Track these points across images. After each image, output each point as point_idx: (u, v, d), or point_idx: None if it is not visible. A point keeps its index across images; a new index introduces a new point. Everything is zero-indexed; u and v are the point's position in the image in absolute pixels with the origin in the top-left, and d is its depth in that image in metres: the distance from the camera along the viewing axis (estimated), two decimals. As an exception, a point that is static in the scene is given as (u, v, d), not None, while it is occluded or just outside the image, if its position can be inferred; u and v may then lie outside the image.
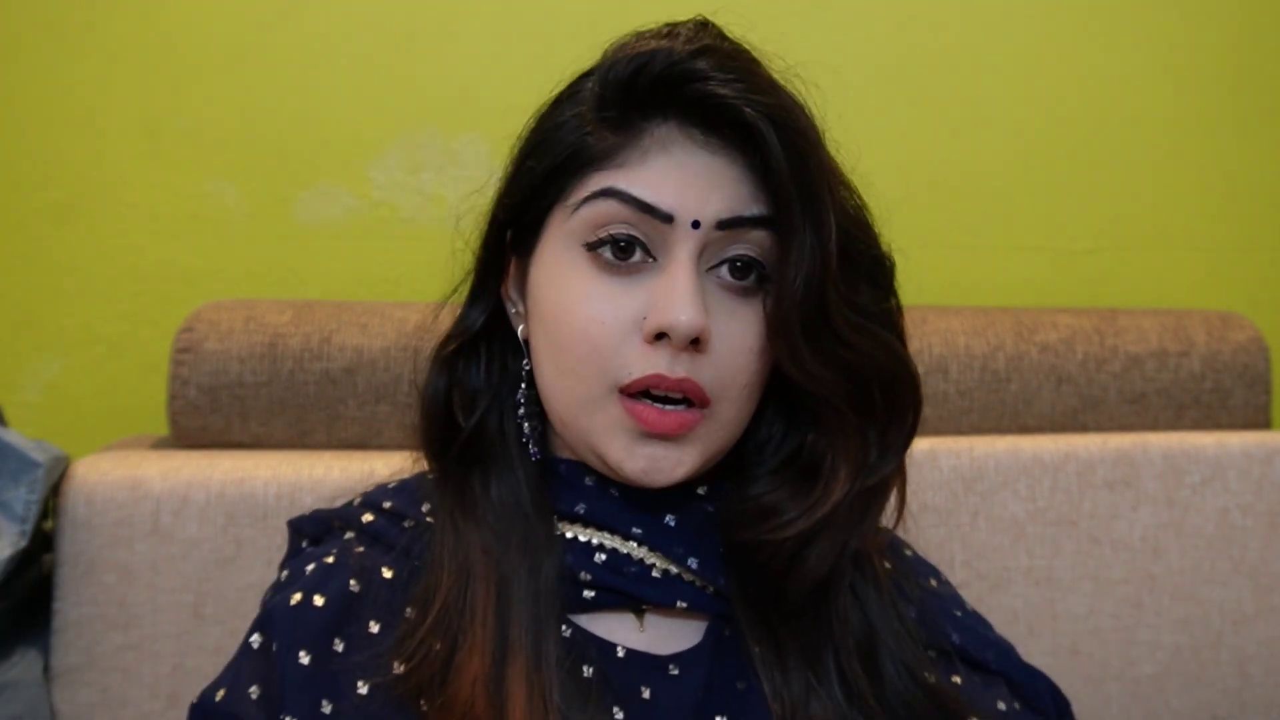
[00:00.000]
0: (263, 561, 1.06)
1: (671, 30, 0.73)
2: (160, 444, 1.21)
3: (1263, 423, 1.26)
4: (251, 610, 0.78)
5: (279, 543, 1.05)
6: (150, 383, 1.30)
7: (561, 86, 0.76)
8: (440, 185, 1.34)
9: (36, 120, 1.30)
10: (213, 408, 1.15)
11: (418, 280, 1.34)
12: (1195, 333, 1.25)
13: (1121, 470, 1.16)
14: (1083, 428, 1.23)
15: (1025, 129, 1.39)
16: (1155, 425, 1.24)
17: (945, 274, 1.37)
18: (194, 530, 1.06)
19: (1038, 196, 1.40)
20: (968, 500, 1.15)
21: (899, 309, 0.77)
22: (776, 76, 0.72)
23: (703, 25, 0.73)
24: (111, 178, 1.31)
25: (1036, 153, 1.39)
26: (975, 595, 1.11)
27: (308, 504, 1.05)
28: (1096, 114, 1.39)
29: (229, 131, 1.32)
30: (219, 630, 1.05)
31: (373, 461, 1.09)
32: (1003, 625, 1.11)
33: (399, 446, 1.15)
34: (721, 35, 0.73)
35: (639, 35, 0.74)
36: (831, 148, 0.73)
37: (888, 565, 0.81)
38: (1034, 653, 1.11)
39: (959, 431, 1.21)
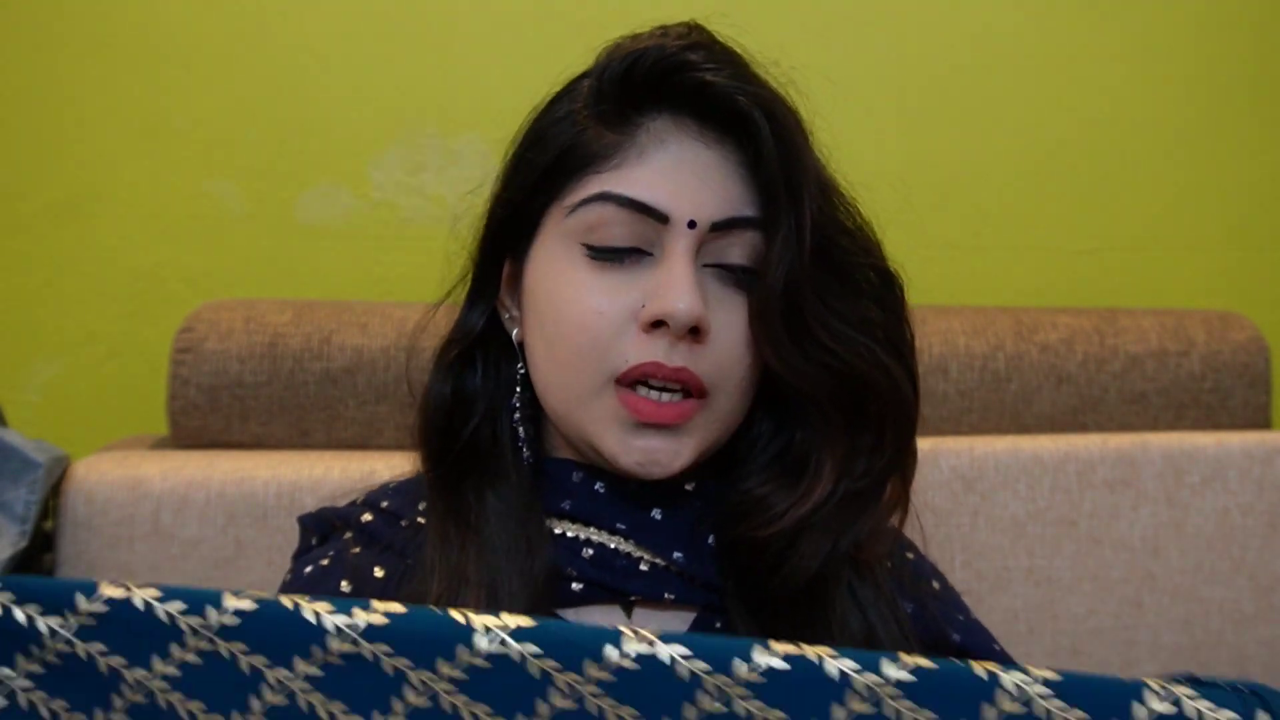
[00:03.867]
0: (263, 562, 1.05)
1: (663, 31, 0.74)
2: (160, 444, 1.21)
3: (1263, 423, 1.26)
4: (251, 610, 0.78)
5: (279, 543, 1.05)
6: (150, 383, 1.30)
7: (557, 88, 0.77)
8: (440, 185, 1.34)
9: (36, 120, 1.30)
10: (213, 408, 1.15)
11: (418, 280, 1.33)
12: (1195, 333, 1.25)
13: (1121, 470, 1.16)
14: (1083, 428, 1.23)
15: (1025, 129, 1.39)
16: (1155, 425, 1.24)
17: (945, 274, 1.37)
18: (194, 530, 1.06)
19: (1038, 196, 1.39)
20: (968, 500, 1.14)
21: (912, 335, 0.76)
22: (772, 82, 0.73)
23: (693, 28, 0.74)
24: (111, 178, 1.31)
25: (1037, 153, 1.39)
26: (975, 595, 1.11)
27: (308, 504, 1.05)
28: (1096, 114, 1.39)
29: (229, 131, 1.32)
30: (219, 630, 1.05)
31: (373, 461, 1.09)
32: (1003, 625, 1.11)
33: (399, 446, 1.15)
34: (712, 38, 0.74)
35: (633, 37, 0.75)
36: (824, 153, 0.74)
37: (888, 564, 0.81)
38: (1034, 653, 1.11)
39: (959, 431, 1.21)
